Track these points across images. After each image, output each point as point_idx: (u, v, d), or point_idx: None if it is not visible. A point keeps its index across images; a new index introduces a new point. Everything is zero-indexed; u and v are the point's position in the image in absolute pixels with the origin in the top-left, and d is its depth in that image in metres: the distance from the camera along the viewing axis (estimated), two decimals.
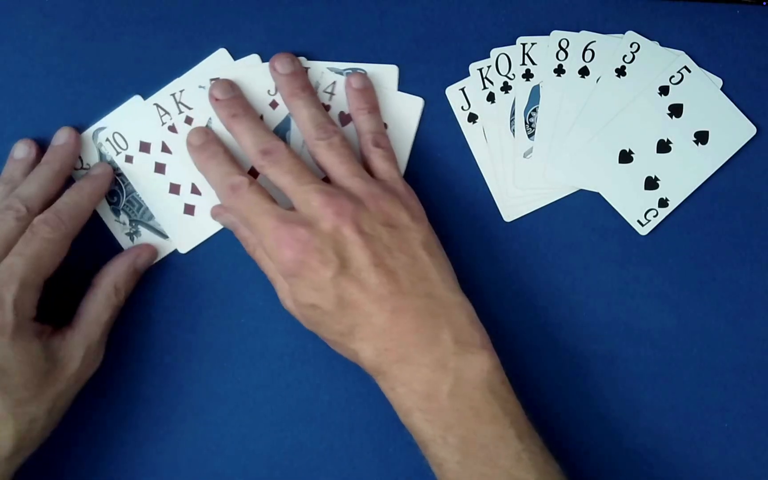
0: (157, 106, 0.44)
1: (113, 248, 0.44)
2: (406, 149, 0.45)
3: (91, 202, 0.42)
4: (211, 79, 0.44)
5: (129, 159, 0.44)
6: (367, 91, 0.44)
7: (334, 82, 0.45)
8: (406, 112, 0.45)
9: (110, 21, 0.46)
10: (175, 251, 0.44)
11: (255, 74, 0.44)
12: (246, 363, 0.44)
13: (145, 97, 0.45)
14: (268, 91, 0.44)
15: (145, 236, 0.44)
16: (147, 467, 0.44)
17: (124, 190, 0.44)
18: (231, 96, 0.43)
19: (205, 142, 0.43)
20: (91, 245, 0.43)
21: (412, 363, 0.37)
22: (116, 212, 0.44)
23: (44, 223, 0.39)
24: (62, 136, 0.43)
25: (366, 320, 0.37)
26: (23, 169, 0.43)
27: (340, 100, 0.45)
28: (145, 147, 0.44)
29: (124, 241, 0.44)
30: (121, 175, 0.44)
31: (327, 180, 0.41)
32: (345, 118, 0.44)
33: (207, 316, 0.44)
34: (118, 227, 0.44)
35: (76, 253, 0.41)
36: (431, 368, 0.37)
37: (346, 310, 0.38)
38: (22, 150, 0.43)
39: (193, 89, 0.44)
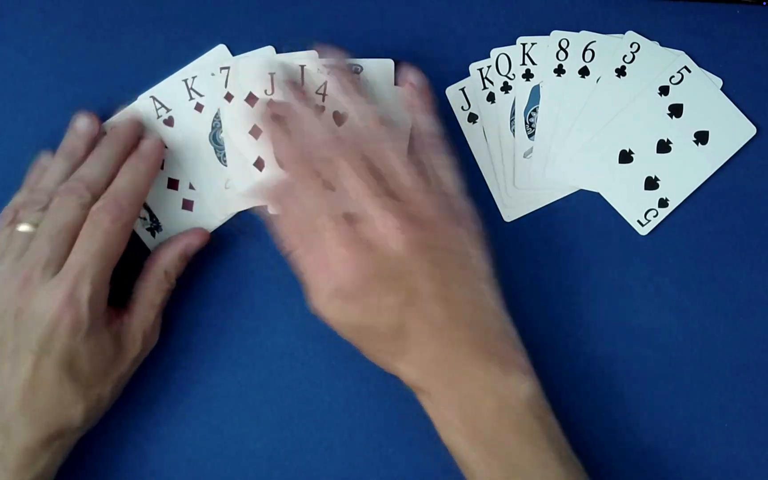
0: (154, 98, 0.44)
1: (134, 243, 0.44)
2: (404, 144, 0.45)
3: (148, 183, 0.41)
4: (272, 71, 0.43)
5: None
6: (427, 90, 0.42)
7: (325, 83, 0.44)
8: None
9: (110, 21, 0.46)
10: None
11: (256, 69, 0.44)
12: (246, 363, 0.44)
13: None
14: (265, 90, 0.44)
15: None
16: (147, 467, 0.44)
17: None
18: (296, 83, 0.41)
19: (287, 115, 0.41)
20: None
21: (458, 387, 0.36)
22: None
23: (105, 212, 0.39)
24: (127, 122, 0.43)
25: (419, 348, 0.37)
26: (86, 144, 0.42)
27: (334, 100, 0.44)
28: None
29: (145, 236, 0.44)
30: None
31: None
32: (339, 119, 0.44)
33: (207, 316, 0.44)
34: (138, 222, 0.44)
35: None
36: (476, 392, 0.36)
37: (400, 337, 0.37)
38: (85, 123, 0.43)
39: (204, 76, 0.44)
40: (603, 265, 0.44)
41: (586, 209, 0.44)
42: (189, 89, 0.44)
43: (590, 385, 0.43)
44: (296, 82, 0.42)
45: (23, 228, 0.39)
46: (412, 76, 0.42)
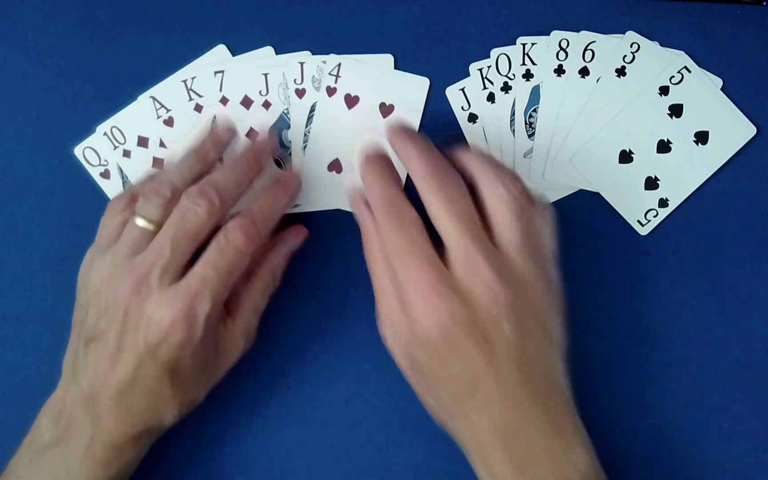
0: (153, 99, 0.44)
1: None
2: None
3: (281, 214, 0.40)
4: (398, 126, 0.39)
5: (126, 153, 0.44)
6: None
7: (339, 64, 0.45)
8: (410, 94, 0.45)
9: (110, 21, 0.46)
10: None
11: (249, 71, 0.44)
12: (246, 363, 0.44)
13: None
14: (260, 91, 0.44)
15: None
16: (147, 467, 0.44)
17: None
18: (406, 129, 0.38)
19: (378, 157, 0.38)
20: None
21: (519, 459, 0.34)
22: None
23: (241, 231, 0.37)
24: (266, 140, 0.42)
25: (482, 410, 0.34)
26: (218, 152, 0.41)
27: (345, 83, 0.45)
28: (143, 142, 0.44)
29: None
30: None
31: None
32: (351, 101, 0.44)
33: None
34: None
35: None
36: (539, 466, 0.34)
37: (466, 394, 0.34)
38: (223, 130, 0.42)
39: (204, 77, 0.44)
40: (603, 265, 0.44)
41: (586, 209, 0.44)
42: (188, 90, 0.44)
43: (590, 385, 0.43)
44: (402, 125, 0.39)
45: (141, 223, 0.37)
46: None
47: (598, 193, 0.44)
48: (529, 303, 0.35)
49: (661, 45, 0.45)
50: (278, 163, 0.45)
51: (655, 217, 0.44)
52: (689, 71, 0.44)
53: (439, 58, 0.45)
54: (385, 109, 0.45)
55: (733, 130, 0.44)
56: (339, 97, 0.45)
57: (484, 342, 0.34)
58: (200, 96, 0.45)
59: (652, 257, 0.44)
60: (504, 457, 0.34)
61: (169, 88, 0.45)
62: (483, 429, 0.34)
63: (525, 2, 0.46)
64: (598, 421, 0.43)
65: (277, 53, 0.45)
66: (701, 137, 0.44)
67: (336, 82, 0.45)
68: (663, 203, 0.44)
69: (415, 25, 0.45)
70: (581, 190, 0.45)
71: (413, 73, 0.45)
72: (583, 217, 0.44)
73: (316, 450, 0.43)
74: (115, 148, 0.44)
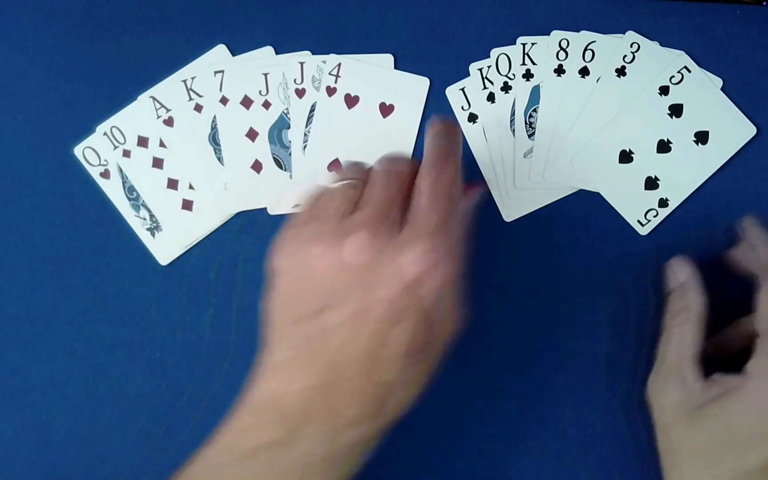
0: (153, 99, 0.45)
1: (133, 245, 0.44)
2: (413, 135, 0.45)
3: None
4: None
5: (126, 153, 0.44)
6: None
7: (339, 64, 0.45)
8: (411, 93, 0.45)
9: (110, 21, 0.46)
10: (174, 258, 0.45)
11: (249, 71, 0.44)
12: (246, 363, 0.44)
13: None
14: (260, 91, 0.44)
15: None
16: (147, 467, 0.44)
17: None
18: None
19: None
20: (111, 241, 0.43)
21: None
22: (136, 208, 0.44)
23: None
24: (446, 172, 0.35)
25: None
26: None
27: (345, 83, 0.45)
28: (143, 142, 0.45)
29: (144, 236, 0.44)
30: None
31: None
32: (351, 101, 0.44)
33: (207, 316, 0.44)
34: (138, 223, 0.44)
35: (100, 252, 0.41)
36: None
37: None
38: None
39: (204, 77, 0.44)
40: (603, 265, 0.44)
41: (586, 209, 0.44)
42: (188, 90, 0.44)
43: (590, 385, 0.43)
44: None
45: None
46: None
47: (598, 193, 0.44)
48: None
49: (661, 45, 0.45)
50: (278, 164, 0.45)
51: (655, 217, 0.44)
52: (689, 71, 0.44)
53: (439, 57, 0.45)
54: (385, 109, 0.45)
55: (733, 130, 0.44)
56: (339, 97, 0.45)
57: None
58: (200, 96, 0.45)
59: (652, 257, 0.44)
60: None
61: (169, 88, 0.45)
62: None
63: (525, 2, 0.46)
64: (597, 420, 0.43)
65: (277, 53, 0.45)
66: (701, 137, 0.44)
67: (336, 81, 0.45)
68: (663, 203, 0.44)
69: (416, 25, 0.45)
70: (581, 190, 0.45)
71: (413, 72, 0.45)
72: (583, 217, 0.44)
73: None
74: (115, 148, 0.44)
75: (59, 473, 0.44)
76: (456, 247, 0.32)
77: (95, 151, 0.45)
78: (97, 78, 0.45)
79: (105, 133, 0.44)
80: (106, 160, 0.45)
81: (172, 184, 0.44)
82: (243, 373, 0.44)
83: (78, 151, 0.45)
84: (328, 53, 0.45)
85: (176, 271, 0.45)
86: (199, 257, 0.44)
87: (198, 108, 0.45)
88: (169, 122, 0.44)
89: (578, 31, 0.45)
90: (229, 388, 0.44)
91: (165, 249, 0.44)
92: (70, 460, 0.44)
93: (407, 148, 0.45)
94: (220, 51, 0.45)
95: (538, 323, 0.44)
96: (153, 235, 0.44)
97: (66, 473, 0.44)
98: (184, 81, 0.45)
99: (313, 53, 0.45)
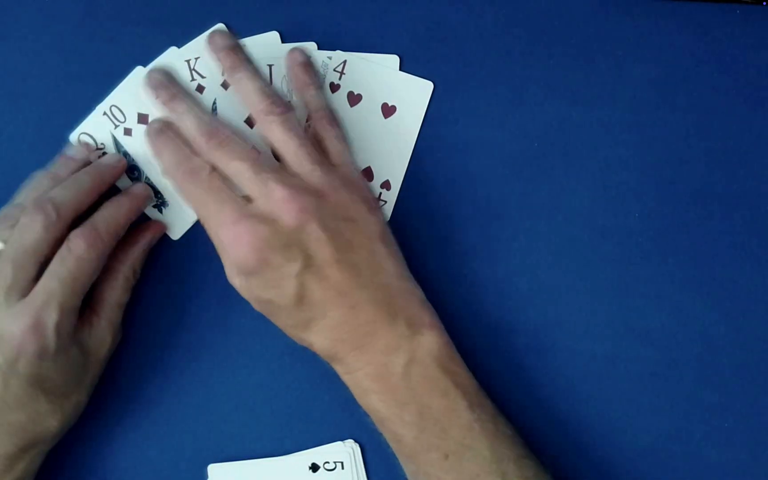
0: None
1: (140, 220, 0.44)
2: (412, 137, 0.45)
3: (128, 220, 0.42)
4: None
5: (128, 132, 0.44)
6: (310, 66, 0.43)
7: (344, 61, 0.45)
8: (413, 96, 0.45)
9: (110, 21, 0.46)
10: (174, 250, 0.44)
11: (254, 61, 0.44)
12: (246, 363, 0.44)
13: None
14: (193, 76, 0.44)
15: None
16: (147, 467, 0.44)
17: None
18: (169, 81, 0.41)
19: (164, 126, 0.41)
20: None
21: (367, 350, 0.38)
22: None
23: (81, 239, 0.39)
24: (112, 159, 0.44)
25: (323, 315, 0.38)
26: (71, 170, 0.42)
27: (349, 80, 0.45)
28: (143, 119, 0.44)
29: (153, 213, 0.45)
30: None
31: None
32: (354, 99, 0.44)
33: (207, 316, 0.44)
34: None
35: None
36: (384, 351, 0.38)
37: (303, 306, 0.38)
38: (76, 150, 0.44)
39: (208, 58, 0.44)
40: (603, 265, 0.44)
41: (585, 209, 0.44)
42: (191, 69, 0.44)
43: (590, 385, 0.43)
44: (164, 82, 0.41)
45: None
46: (297, 56, 0.43)
47: (597, 192, 0.44)
48: (330, 206, 0.38)
49: (661, 45, 0.45)
50: (276, 156, 0.44)
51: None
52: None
53: (444, 61, 0.45)
54: (387, 110, 0.45)
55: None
56: (341, 94, 0.45)
57: (291, 250, 0.37)
58: (203, 77, 0.45)
59: (652, 257, 0.44)
60: (351, 352, 0.38)
61: (168, 66, 0.44)
62: (327, 331, 0.38)
63: (526, 2, 0.46)
64: (598, 421, 0.43)
65: (283, 41, 0.45)
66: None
67: (340, 78, 0.45)
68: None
69: (424, 27, 0.45)
70: (581, 190, 0.44)
71: (418, 75, 0.45)
72: (583, 217, 0.44)
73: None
74: (116, 126, 0.44)
75: (59, 473, 0.44)
76: (48, 322, 0.38)
77: (91, 136, 0.44)
78: (97, 78, 0.45)
79: (105, 113, 0.44)
80: (102, 144, 0.45)
81: None
82: (243, 372, 0.44)
83: (74, 137, 0.45)
84: (334, 49, 0.45)
85: (178, 274, 0.45)
86: (199, 256, 0.44)
87: (200, 89, 0.45)
88: None
89: (578, 30, 0.45)
90: (230, 387, 0.44)
91: (175, 224, 0.45)
92: (70, 460, 0.44)
93: (406, 151, 0.45)
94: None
95: (538, 323, 0.44)
96: (160, 211, 0.44)
97: (67, 473, 0.44)
98: (188, 61, 0.45)
99: (319, 48, 0.45)
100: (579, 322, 0.44)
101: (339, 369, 0.39)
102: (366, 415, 0.39)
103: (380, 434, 0.40)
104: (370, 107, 0.45)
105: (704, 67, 0.45)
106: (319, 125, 0.42)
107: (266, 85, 0.41)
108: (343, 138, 0.42)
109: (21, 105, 0.45)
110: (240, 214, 0.37)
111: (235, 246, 0.37)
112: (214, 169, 0.39)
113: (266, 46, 0.44)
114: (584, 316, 0.44)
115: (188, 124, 0.40)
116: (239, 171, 0.38)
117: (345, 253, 0.38)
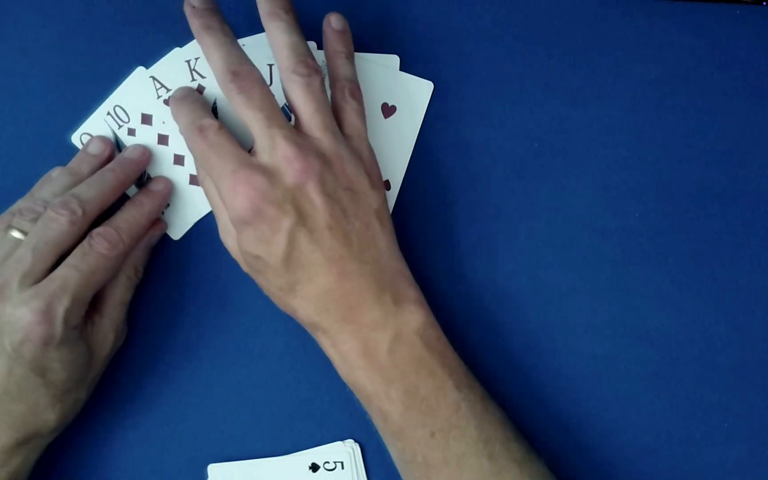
0: (153, 78, 0.45)
1: None
2: (412, 136, 0.45)
3: (150, 220, 0.43)
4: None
5: (131, 132, 0.44)
6: (347, 34, 0.43)
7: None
8: (413, 96, 0.45)
9: (110, 21, 0.46)
10: (175, 250, 0.45)
11: (255, 60, 0.44)
12: (246, 363, 0.44)
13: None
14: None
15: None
16: (147, 467, 0.44)
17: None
18: (207, 6, 0.41)
19: (187, 92, 0.42)
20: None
21: (352, 322, 0.38)
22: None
23: (103, 238, 0.39)
24: (135, 152, 0.43)
25: (309, 279, 0.38)
26: (92, 166, 0.43)
27: (379, 94, 0.45)
28: (146, 119, 0.44)
29: None
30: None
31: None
32: (388, 110, 0.45)
33: (207, 316, 0.44)
34: None
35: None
36: (370, 326, 0.38)
37: (291, 265, 0.38)
38: (96, 146, 0.44)
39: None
40: (603, 265, 0.44)
41: (586, 209, 0.44)
42: (191, 70, 0.44)
43: (590, 385, 0.44)
44: (202, 10, 0.41)
45: (15, 234, 0.39)
46: (334, 20, 0.43)
47: (597, 190, 0.44)
48: (333, 173, 0.38)
49: (661, 45, 0.45)
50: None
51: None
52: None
53: (444, 61, 0.45)
54: (387, 110, 0.45)
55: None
56: (375, 105, 0.45)
57: (288, 205, 0.37)
58: (203, 76, 0.45)
59: (652, 257, 0.44)
60: (336, 322, 0.38)
61: (171, 68, 0.45)
62: (313, 298, 0.38)
63: (525, 2, 0.46)
64: (597, 420, 0.43)
65: None
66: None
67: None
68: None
69: (424, 27, 0.45)
70: (581, 190, 0.44)
71: (418, 75, 0.45)
72: (583, 217, 0.44)
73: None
74: (120, 127, 0.44)
75: (59, 472, 0.44)
76: (58, 309, 0.38)
77: (93, 136, 0.44)
78: (97, 78, 0.45)
79: (108, 113, 0.44)
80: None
81: (179, 160, 0.44)
82: (243, 372, 0.44)
83: (75, 137, 0.45)
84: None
85: (178, 274, 0.45)
86: (199, 256, 0.44)
87: (200, 89, 0.45)
88: (169, 102, 0.44)
89: (578, 30, 0.45)
90: (230, 387, 0.44)
91: (176, 224, 0.45)
92: (70, 460, 0.44)
93: (406, 151, 0.45)
94: None
95: (538, 323, 0.44)
96: (162, 211, 0.44)
97: (66, 473, 0.44)
98: (188, 61, 0.45)
99: (319, 47, 0.45)
100: (579, 322, 0.44)
101: (323, 341, 0.39)
102: (358, 401, 0.39)
103: (380, 436, 0.40)
104: (370, 107, 0.45)
105: (704, 67, 0.45)
106: (339, 95, 0.41)
107: (300, 41, 0.40)
108: (362, 113, 0.42)
109: (21, 105, 0.45)
110: (240, 164, 0.38)
111: (231, 194, 0.37)
112: (221, 127, 0.39)
113: (266, 46, 0.44)
114: (584, 316, 0.44)
115: (214, 61, 0.40)
116: (252, 120, 0.38)
117: (339, 221, 0.38)
